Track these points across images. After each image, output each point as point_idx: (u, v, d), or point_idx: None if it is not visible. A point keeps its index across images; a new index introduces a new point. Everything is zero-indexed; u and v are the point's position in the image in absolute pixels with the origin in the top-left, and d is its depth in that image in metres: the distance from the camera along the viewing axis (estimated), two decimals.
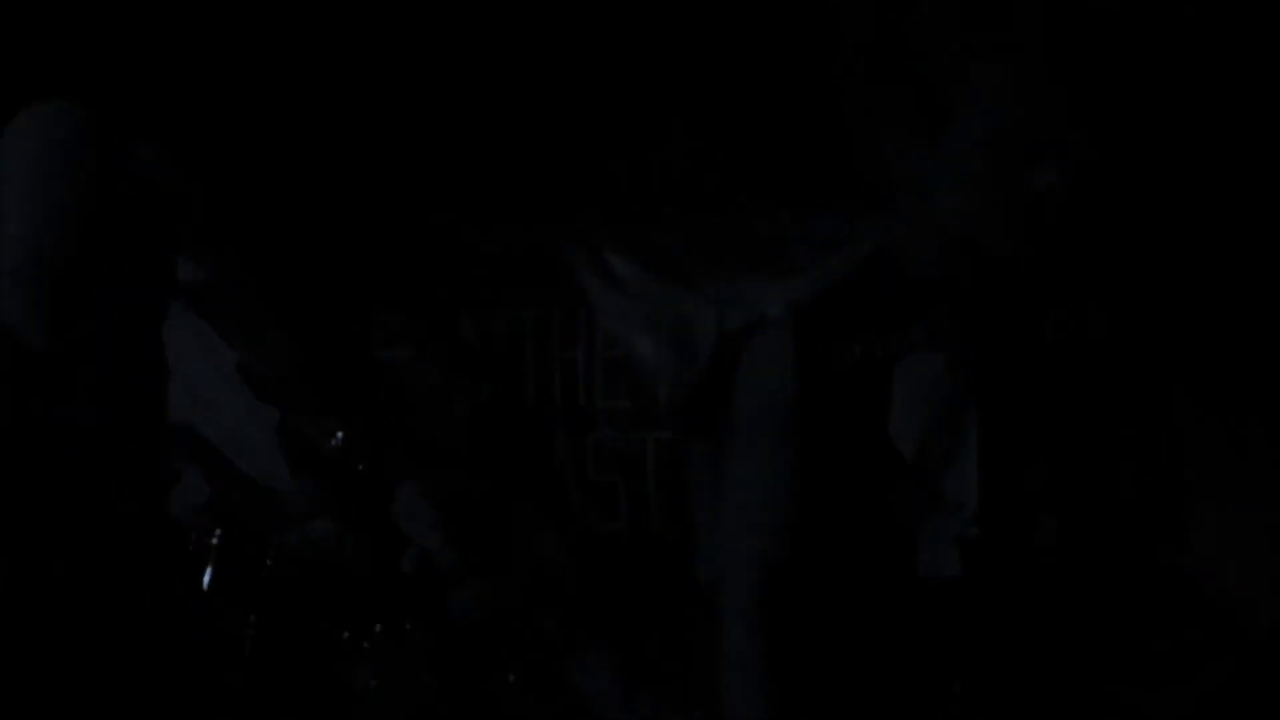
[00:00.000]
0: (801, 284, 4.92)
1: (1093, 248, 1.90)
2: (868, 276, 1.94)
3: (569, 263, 5.32)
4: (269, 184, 4.90)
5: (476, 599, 3.83)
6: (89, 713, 1.64)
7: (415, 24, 4.83)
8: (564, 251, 5.30)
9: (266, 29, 4.60)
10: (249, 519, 3.85)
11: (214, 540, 3.64)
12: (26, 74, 1.66)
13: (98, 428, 1.58)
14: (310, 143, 4.96)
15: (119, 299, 1.61)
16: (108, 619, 1.67)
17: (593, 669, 3.86)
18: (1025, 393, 1.83)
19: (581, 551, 4.20)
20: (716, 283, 5.12)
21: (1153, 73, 4.04)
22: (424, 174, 5.30)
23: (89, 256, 1.57)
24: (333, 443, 3.93)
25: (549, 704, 3.79)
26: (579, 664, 3.88)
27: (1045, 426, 1.82)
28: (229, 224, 4.57)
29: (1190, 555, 1.88)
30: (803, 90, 4.36)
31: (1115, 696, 1.81)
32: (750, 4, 4.59)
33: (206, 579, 3.59)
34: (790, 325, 1.91)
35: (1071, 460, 1.82)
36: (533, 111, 5.02)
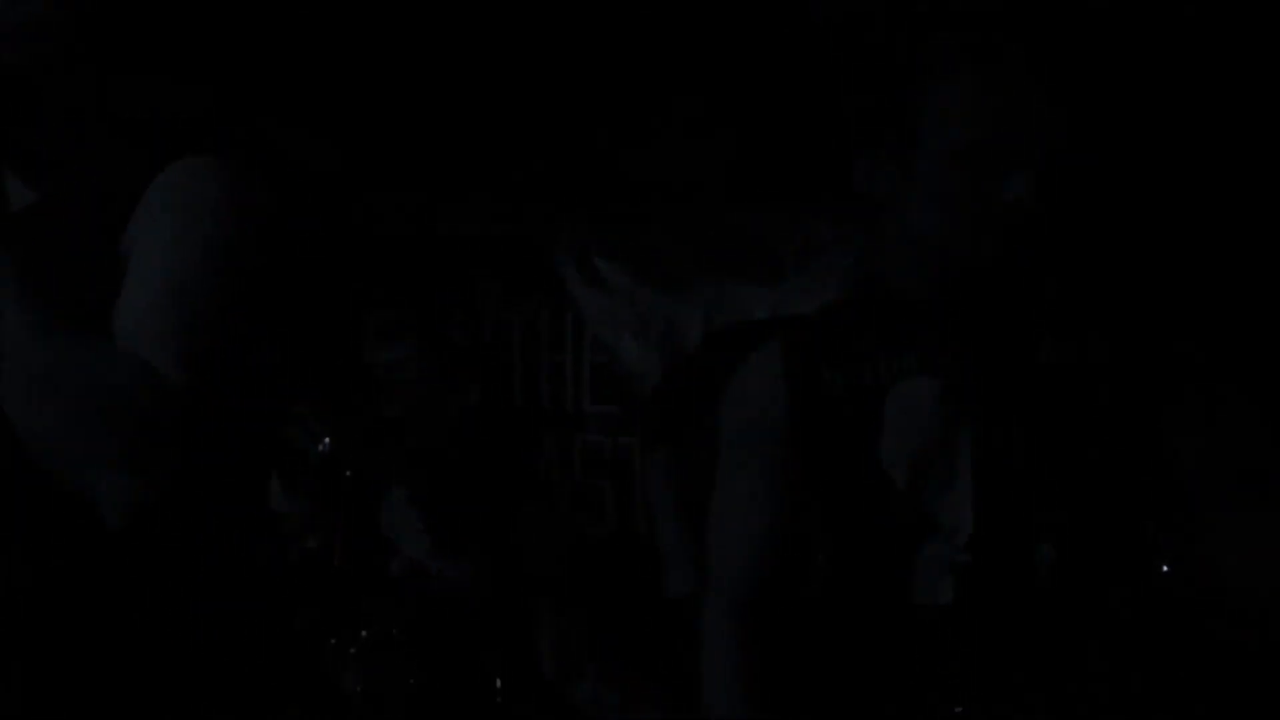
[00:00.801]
0: (789, 291, 4.92)
1: (1084, 266, 1.89)
2: (856, 297, 1.93)
3: (557, 267, 5.33)
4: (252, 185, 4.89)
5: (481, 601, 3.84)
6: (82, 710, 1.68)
7: (411, 25, 4.84)
8: (552, 256, 5.30)
9: (264, 21, 4.61)
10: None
11: None
12: (174, 132, 1.76)
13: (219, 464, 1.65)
14: (301, 143, 4.96)
15: (251, 343, 1.69)
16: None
17: (579, 672, 3.87)
18: (1021, 418, 1.82)
19: (569, 555, 4.21)
20: (704, 286, 5.13)
21: (1138, 80, 4.04)
22: (415, 175, 5.30)
23: (226, 297, 1.64)
24: (320, 448, 3.93)
25: (535, 707, 3.80)
26: (566, 667, 3.88)
27: (1042, 452, 1.81)
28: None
29: (1200, 575, 1.86)
30: (794, 92, 4.37)
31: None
32: (741, 7, 4.61)
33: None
34: (780, 346, 1.89)
35: (1070, 486, 1.81)
36: (523, 111, 5.03)
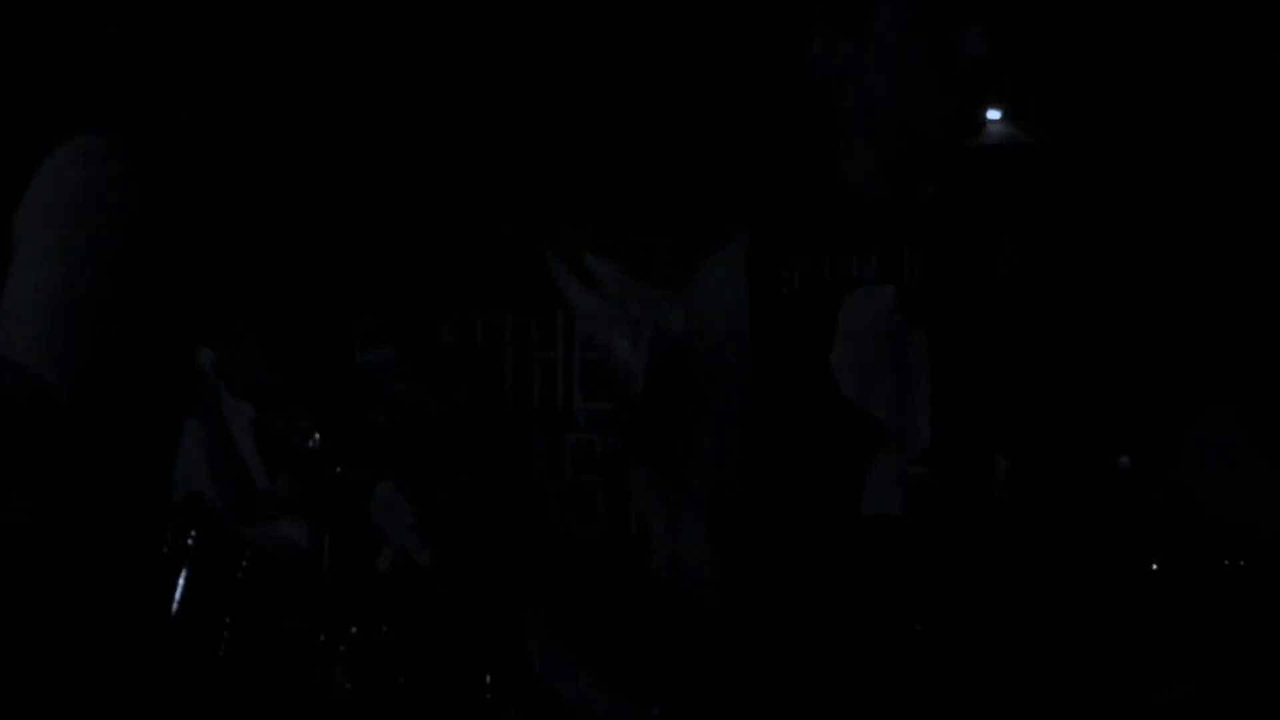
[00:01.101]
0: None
1: (1047, 174, 1.89)
2: (819, 195, 1.92)
3: (549, 266, 5.31)
4: (245, 188, 4.89)
5: (453, 599, 3.82)
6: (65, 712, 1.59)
7: (406, 30, 4.83)
8: (544, 254, 5.29)
9: (255, 15, 4.59)
10: (224, 520, 3.84)
11: (189, 541, 3.62)
12: (66, 106, 1.54)
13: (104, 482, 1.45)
14: (289, 144, 4.95)
15: (156, 350, 1.47)
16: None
17: (569, 671, 3.85)
18: (979, 326, 1.81)
19: (559, 553, 4.19)
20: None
21: None
22: (407, 176, 5.29)
23: (122, 298, 1.43)
24: (310, 444, 3.91)
25: (524, 706, 3.77)
26: (555, 666, 3.86)
27: (999, 362, 1.80)
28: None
29: (1168, 492, 1.85)
30: (789, 96, 4.36)
31: (1077, 646, 1.80)
32: (733, 8, 4.61)
33: (181, 580, 3.57)
34: (743, 242, 1.90)
35: (1028, 400, 1.80)
36: (518, 114, 5.02)
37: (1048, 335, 1.79)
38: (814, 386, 1.81)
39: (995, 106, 4.83)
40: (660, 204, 5.16)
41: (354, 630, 3.65)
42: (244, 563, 3.68)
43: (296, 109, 4.94)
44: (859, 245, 1.83)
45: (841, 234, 1.85)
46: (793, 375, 1.83)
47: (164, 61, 4.52)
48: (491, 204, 5.26)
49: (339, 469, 3.89)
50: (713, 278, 1.94)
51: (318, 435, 3.82)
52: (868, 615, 1.80)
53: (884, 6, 1.79)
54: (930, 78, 1.78)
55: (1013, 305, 1.79)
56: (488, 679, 3.73)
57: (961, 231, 1.83)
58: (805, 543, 1.84)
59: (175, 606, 3.53)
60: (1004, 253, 1.81)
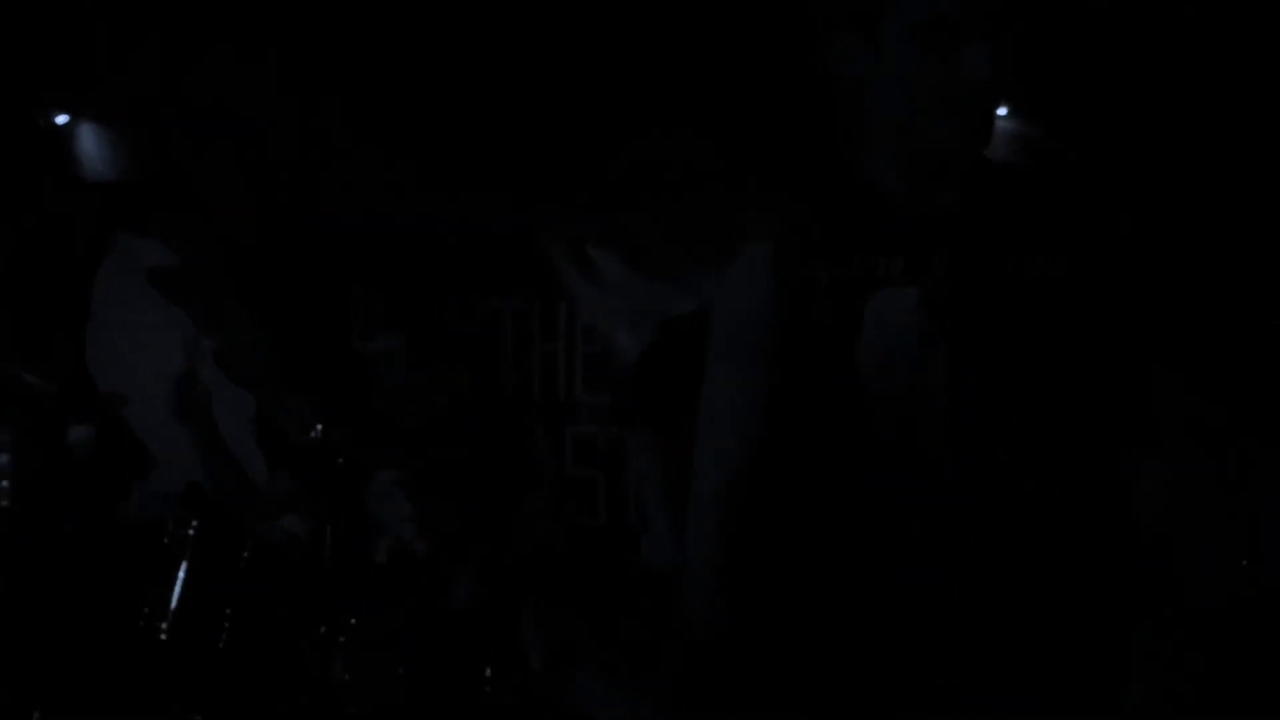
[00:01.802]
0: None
1: (1059, 197, 1.89)
2: (846, 195, 1.92)
3: (549, 256, 5.31)
4: (245, 172, 4.89)
5: (472, 591, 3.83)
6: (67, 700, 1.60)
7: (403, 13, 4.83)
8: (545, 244, 5.29)
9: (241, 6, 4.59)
10: (226, 511, 3.84)
11: (190, 532, 3.62)
12: None
13: None
14: (289, 131, 4.95)
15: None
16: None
17: (570, 663, 3.86)
18: (998, 333, 1.81)
19: (558, 545, 4.20)
20: (697, 276, 5.12)
21: None
22: (407, 165, 5.29)
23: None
24: (312, 435, 3.91)
25: (523, 697, 3.79)
26: (556, 658, 3.87)
27: (1017, 370, 1.81)
28: (201, 211, 4.55)
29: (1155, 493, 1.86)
30: (785, 87, 4.37)
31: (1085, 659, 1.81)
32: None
33: (182, 571, 3.58)
34: (769, 246, 1.90)
35: (1040, 399, 1.81)
36: (518, 104, 5.02)
37: (1054, 335, 1.80)
38: (837, 384, 1.81)
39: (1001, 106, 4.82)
40: (661, 201, 5.16)
41: (353, 621, 3.66)
42: (245, 554, 3.69)
43: (297, 108, 4.95)
44: (884, 246, 1.83)
45: (867, 235, 1.85)
46: (817, 373, 1.83)
47: (164, 61, 4.53)
48: (491, 206, 5.26)
49: (340, 460, 3.89)
50: (741, 275, 1.93)
51: (319, 427, 3.82)
52: (868, 615, 1.81)
53: (892, 20, 1.81)
54: (937, 95, 1.79)
55: (1026, 306, 1.79)
56: (486, 670, 3.74)
57: (981, 233, 1.83)
58: (813, 539, 1.84)
59: (176, 597, 3.54)
60: (1017, 254, 1.81)
